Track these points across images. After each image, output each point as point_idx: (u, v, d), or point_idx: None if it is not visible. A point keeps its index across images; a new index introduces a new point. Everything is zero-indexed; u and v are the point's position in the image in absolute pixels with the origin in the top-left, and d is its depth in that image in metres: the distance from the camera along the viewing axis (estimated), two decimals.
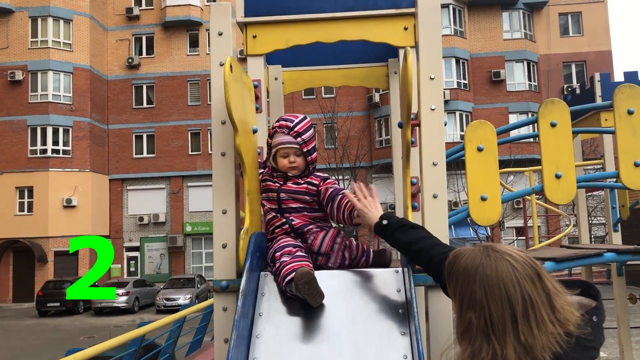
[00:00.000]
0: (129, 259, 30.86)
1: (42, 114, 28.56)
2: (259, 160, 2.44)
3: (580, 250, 3.35)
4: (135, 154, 31.57)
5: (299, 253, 2.10)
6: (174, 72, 31.86)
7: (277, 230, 2.26)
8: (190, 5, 31.59)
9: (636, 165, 2.90)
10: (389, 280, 2.05)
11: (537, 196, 9.10)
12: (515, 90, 30.76)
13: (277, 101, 3.67)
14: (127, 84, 31.91)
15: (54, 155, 28.56)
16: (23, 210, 28.20)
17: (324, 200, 2.25)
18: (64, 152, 28.82)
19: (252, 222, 2.15)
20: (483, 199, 2.70)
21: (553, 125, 2.79)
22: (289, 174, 2.28)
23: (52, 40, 29.06)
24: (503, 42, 31.07)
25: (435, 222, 2.16)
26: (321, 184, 2.28)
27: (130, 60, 31.43)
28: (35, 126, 28.53)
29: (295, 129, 2.25)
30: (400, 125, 2.30)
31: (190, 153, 31.46)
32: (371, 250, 2.31)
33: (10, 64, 28.82)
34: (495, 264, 1.26)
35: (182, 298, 23.07)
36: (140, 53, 32.29)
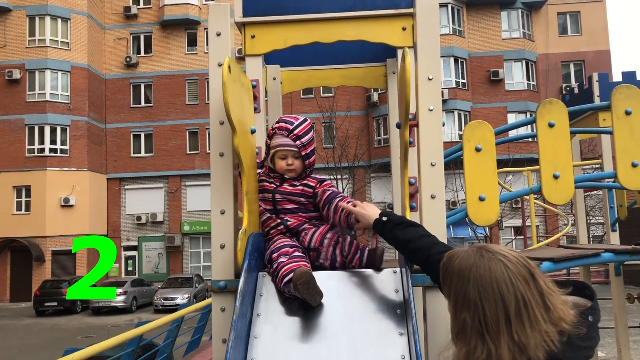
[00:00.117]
0: (127, 258, 30.83)
1: (39, 113, 28.52)
2: (257, 160, 2.44)
3: (578, 250, 3.35)
4: (133, 153, 31.53)
5: (296, 253, 2.10)
6: (172, 71, 31.82)
7: (272, 231, 2.25)
8: (188, 4, 31.55)
9: (634, 165, 2.90)
10: (386, 280, 2.06)
11: (536, 196, 9.12)
12: (513, 90, 30.79)
13: (275, 101, 3.66)
14: (125, 83, 31.86)
15: (52, 154, 28.53)
16: (20, 210, 28.18)
17: (320, 202, 2.23)
18: (62, 151, 28.79)
19: (250, 223, 2.14)
20: (481, 199, 2.70)
21: (551, 125, 2.79)
22: (285, 176, 2.27)
23: (50, 39, 29.02)
24: (501, 41, 31.10)
25: (434, 222, 2.16)
26: (318, 185, 2.27)
27: (128, 59, 31.38)
28: (32, 125, 28.48)
29: (295, 132, 2.24)
30: (398, 126, 2.30)
31: (188, 152, 31.42)
32: (367, 248, 2.30)
33: (7, 62, 28.78)
34: (489, 264, 1.27)
35: (180, 297, 23.06)
36: (138, 52, 32.24)
